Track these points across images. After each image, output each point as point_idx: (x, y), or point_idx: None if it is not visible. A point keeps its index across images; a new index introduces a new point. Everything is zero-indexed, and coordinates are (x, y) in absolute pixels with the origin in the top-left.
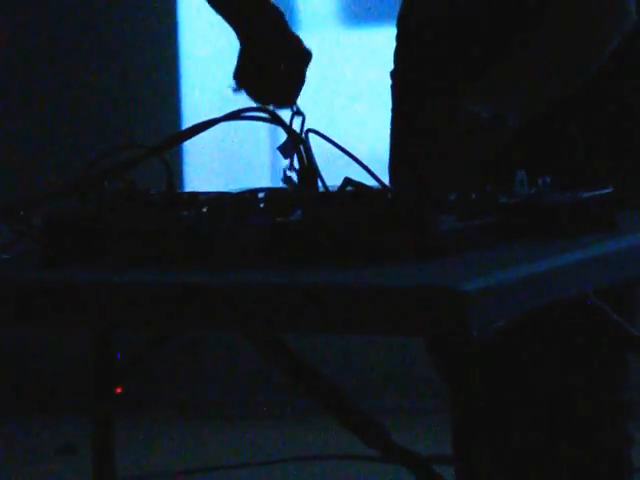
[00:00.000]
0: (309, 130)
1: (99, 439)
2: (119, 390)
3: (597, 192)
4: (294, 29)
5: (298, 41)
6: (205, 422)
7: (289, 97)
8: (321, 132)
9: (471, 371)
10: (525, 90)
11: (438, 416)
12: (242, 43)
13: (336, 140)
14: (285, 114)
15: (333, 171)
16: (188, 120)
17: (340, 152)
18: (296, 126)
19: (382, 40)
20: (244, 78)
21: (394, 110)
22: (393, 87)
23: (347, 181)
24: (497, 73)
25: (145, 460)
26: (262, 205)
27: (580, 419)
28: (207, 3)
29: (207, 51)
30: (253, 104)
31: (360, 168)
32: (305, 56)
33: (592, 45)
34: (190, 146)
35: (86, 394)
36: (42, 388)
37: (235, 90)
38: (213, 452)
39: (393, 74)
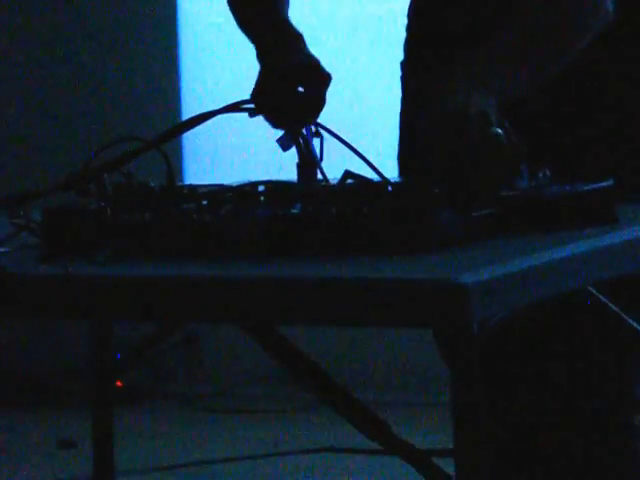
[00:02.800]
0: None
1: (99, 433)
2: (119, 383)
3: (597, 185)
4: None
5: (317, 64)
6: (205, 416)
7: (307, 121)
8: (321, 124)
9: (472, 360)
10: (503, 74)
11: (439, 410)
12: (262, 65)
13: (337, 132)
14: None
15: (334, 163)
16: (188, 112)
17: (341, 144)
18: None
19: None
20: (261, 103)
21: (403, 101)
22: (403, 78)
23: (347, 174)
24: (479, 56)
25: (145, 453)
26: (262, 198)
27: (588, 412)
28: (234, 19)
29: (207, 42)
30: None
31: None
32: (325, 79)
33: (565, 36)
34: (190, 138)
35: (86, 388)
36: (42, 382)
37: (252, 115)
38: (213, 445)
39: (403, 64)
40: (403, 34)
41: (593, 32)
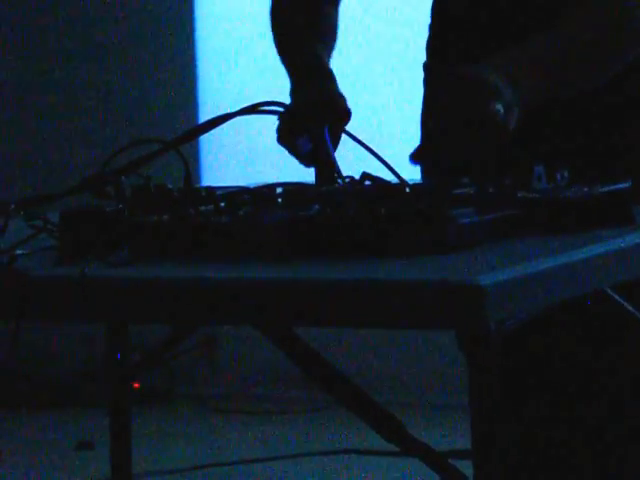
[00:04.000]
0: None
1: (116, 434)
2: (136, 385)
3: (614, 186)
4: None
5: (343, 102)
6: (221, 417)
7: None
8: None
9: (490, 361)
10: (542, 74)
11: (457, 411)
12: (291, 96)
13: (355, 134)
14: None
15: (352, 165)
16: (205, 114)
17: (359, 146)
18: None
19: None
20: (284, 136)
21: (425, 103)
22: (425, 80)
23: (365, 175)
24: (514, 54)
25: (162, 455)
26: (280, 200)
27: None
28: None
29: (224, 45)
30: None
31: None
32: (346, 118)
33: (603, 56)
34: (207, 140)
35: (103, 389)
36: (60, 384)
37: (279, 141)
38: (229, 447)
39: (425, 66)
40: (425, 36)
41: (629, 57)
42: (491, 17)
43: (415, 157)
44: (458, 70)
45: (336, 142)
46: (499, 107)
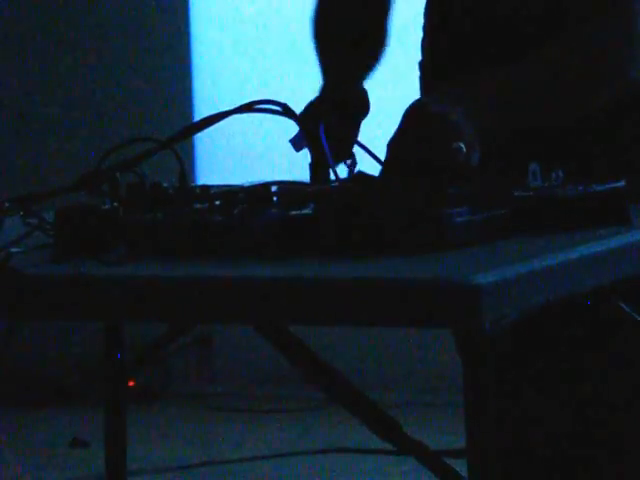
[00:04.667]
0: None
1: (111, 432)
2: (131, 383)
3: (610, 185)
4: None
5: (365, 96)
6: (217, 415)
7: (345, 154)
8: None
9: (485, 360)
10: (501, 111)
11: (451, 410)
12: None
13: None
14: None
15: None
16: (200, 112)
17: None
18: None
19: None
20: (306, 132)
21: None
22: (421, 78)
23: (360, 174)
24: (475, 88)
25: (157, 453)
26: (275, 198)
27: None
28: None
29: (220, 42)
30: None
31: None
32: (365, 111)
33: (580, 90)
34: (202, 139)
35: (99, 387)
36: (55, 381)
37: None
38: (225, 445)
39: (421, 65)
40: (420, 34)
41: (607, 97)
42: (489, 17)
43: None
44: (421, 106)
45: (355, 136)
46: (461, 145)
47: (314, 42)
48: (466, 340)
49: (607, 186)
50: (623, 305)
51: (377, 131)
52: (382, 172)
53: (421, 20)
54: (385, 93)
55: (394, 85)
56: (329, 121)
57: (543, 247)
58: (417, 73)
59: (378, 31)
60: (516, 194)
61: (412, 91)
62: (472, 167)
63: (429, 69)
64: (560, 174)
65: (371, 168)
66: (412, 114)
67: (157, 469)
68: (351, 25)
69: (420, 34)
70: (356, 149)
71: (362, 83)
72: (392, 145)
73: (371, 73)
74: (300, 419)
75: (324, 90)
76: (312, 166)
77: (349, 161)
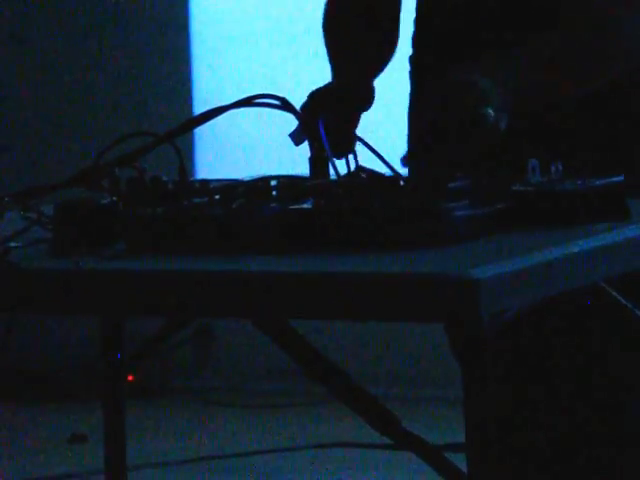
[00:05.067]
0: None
1: (110, 427)
2: (130, 378)
3: (609, 180)
4: None
5: (372, 92)
6: (217, 410)
7: (347, 148)
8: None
9: (483, 355)
10: (531, 79)
11: (451, 404)
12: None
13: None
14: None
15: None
16: (200, 107)
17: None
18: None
19: None
20: (306, 126)
21: (412, 95)
22: (411, 72)
23: (359, 168)
24: (507, 56)
25: (156, 448)
26: (274, 193)
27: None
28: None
29: (219, 36)
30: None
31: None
32: (368, 105)
33: (596, 60)
34: (202, 133)
35: (97, 383)
36: (53, 377)
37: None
38: (224, 440)
39: (411, 59)
40: (411, 29)
41: (624, 66)
42: (478, 12)
43: (406, 161)
44: (449, 74)
45: (355, 128)
46: (489, 110)
47: (326, 35)
48: (465, 334)
49: (606, 181)
50: (623, 300)
51: (368, 124)
52: (411, 139)
53: (412, 14)
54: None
55: (384, 79)
56: (330, 114)
57: (542, 242)
58: (407, 67)
59: (390, 27)
60: (515, 189)
61: (402, 85)
62: (498, 132)
63: (419, 63)
64: (559, 168)
65: (370, 162)
66: (442, 81)
67: (156, 464)
68: (365, 19)
69: (411, 28)
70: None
71: (373, 79)
72: (420, 112)
73: (383, 68)
74: (300, 414)
75: (333, 83)
76: (312, 160)
77: (351, 156)
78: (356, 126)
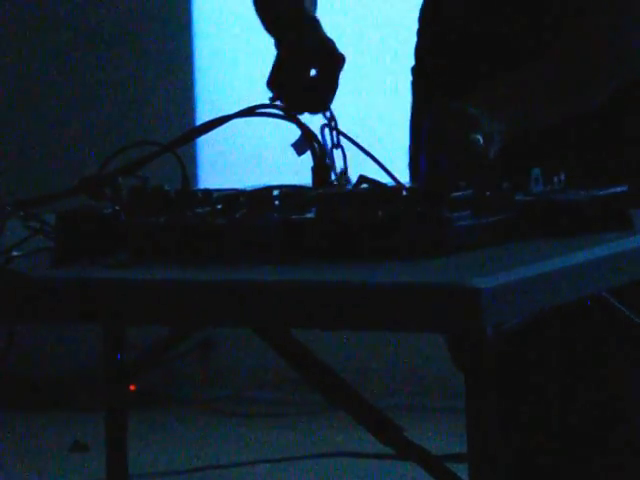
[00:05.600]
0: (324, 125)
1: (112, 437)
2: (132, 387)
3: (613, 190)
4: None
5: (333, 46)
6: (219, 420)
7: (322, 104)
8: (338, 128)
9: (486, 365)
10: (522, 106)
11: (453, 414)
12: (277, 49)
13: (352, 135)
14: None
15: (348, 167)
16: (202, 117)
17: (355, 148)
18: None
19: None
20: (276, 85)
21: (414, 106)
22: (413, 83)
23: (362, 178)
24: (500, 84)
25: (158, 457)
26: (277, 202)
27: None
28: (253, 6)
29: (223, 46)
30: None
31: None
32: (339, 61)
33: (595, 78)
34: (205, 142)
35: (99, 392)
36: (55, 386)
37: (272, 100)
38: (227, 449)
39: (414, 70)
40: (414, 39)
41: (609, 88)
42: (484, 25)
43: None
44: (442, 104)
45: (334, 89)
46: (478, 137)
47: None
48: (467, 344)
49: (609, 191)
50: (624, 309)
51: (371, 134)
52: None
53: (415, 25)
54: (378, 98)
55: (386, 90)
56: (307, 73)
57: (545, 252)
58: (409, 78)
59: None
60: (518, 198)
61: (404, 96)
62: (488, 158)
63: (422, 74)
64: (562, 178)
65: (372, 172)
66: (435, 111)
67: (158, 473)
68: None
69: (414, 39)
70: (353, 147)
71: (316, 27)
72: (424, 141)
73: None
74: (301, 423)
75: (284, 43)
76: (315, 170)
77: (328, 114)
78: (336, 87)
